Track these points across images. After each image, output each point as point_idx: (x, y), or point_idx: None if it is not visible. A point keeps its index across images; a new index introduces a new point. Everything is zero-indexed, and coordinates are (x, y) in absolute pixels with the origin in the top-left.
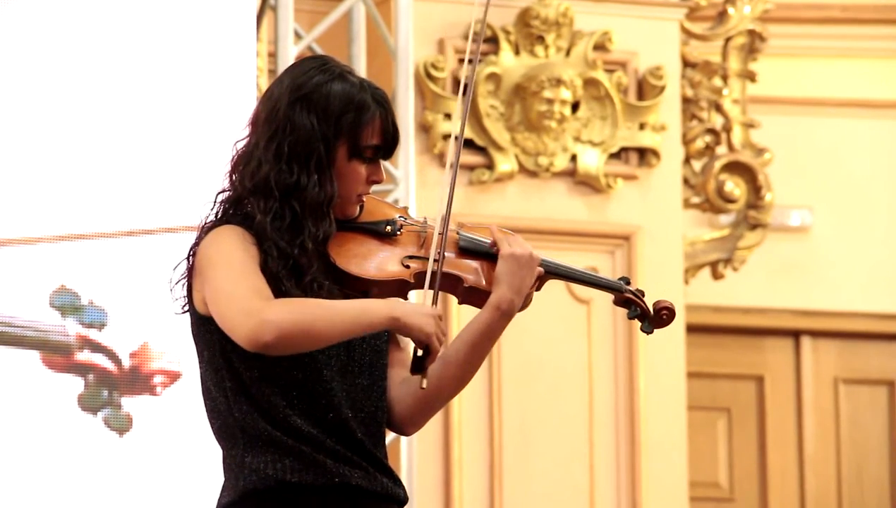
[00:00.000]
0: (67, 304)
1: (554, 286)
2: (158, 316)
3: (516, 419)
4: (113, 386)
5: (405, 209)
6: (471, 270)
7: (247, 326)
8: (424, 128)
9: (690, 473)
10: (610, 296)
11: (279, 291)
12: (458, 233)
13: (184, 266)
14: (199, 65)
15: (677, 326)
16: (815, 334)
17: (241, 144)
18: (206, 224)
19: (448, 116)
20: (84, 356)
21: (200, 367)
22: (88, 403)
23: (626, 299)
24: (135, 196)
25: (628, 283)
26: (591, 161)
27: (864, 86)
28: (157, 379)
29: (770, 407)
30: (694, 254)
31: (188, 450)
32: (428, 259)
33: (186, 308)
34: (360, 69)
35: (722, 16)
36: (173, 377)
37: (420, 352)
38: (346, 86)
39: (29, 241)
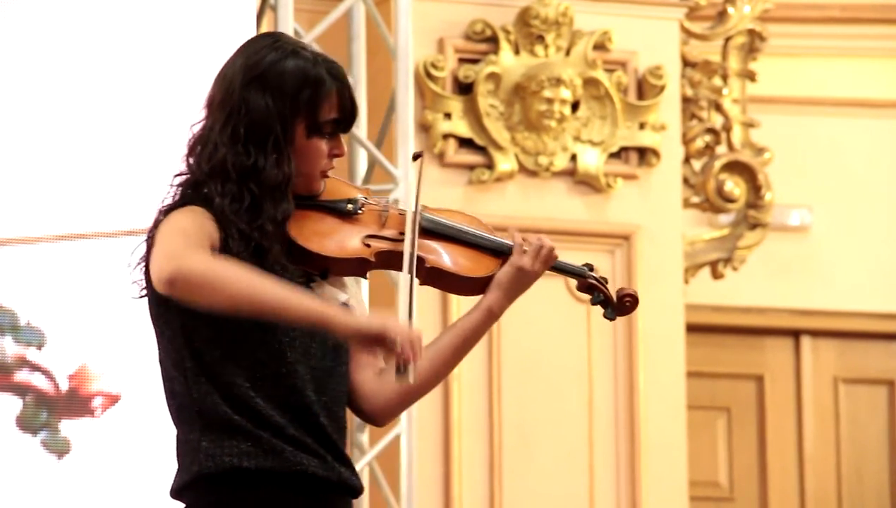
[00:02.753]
0: (5, 324)
1: (554, 285)
2: (97, 338)
3: (516, 418)
4: (51, 408)
5: (367, 190)
6: (433, 251)
7: (160, 263)
8: (424, 128)
9: (690, 472)
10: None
11: None
12: (421, 215)
13: (142, 249)
14: (199, 64)
15: (677, 326)
16: (815, 333)
17: (196, 127)
18: (164, 207)
19: (448, 116)
20: (22, 376)
21: (160, 350)
22: (27, 424)
23: (590, 285)
24: (131, 196)
25: (592, 270)
26: (591, 160)
27: (864, 86)
28: (97, 402)
29: (770, 406)
30: (694, 254)
31: (128, 473)
32: (390, 239)
33: (144, 292)
34: (360, 69)
35: (722, 15)
36: (113, 399)
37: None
38: (299, 62)
39: None
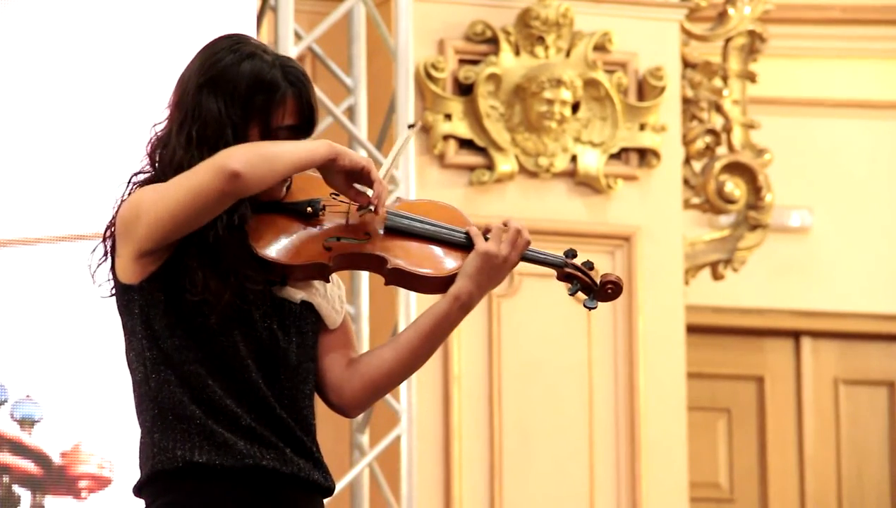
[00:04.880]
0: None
1: (554, 286)
2: (94, 417)
3: (516, 419)
4: (36, 488)
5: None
6: (396, 251)
7: (211, 170)
8: (424, 129)
9: (690, 473)
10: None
11: (193, 281)
12: (387, 212)
13: (101, 249)
14: None
15: (677, 327)
16: (816, 335)
17: (159, 127)
18: (120, 204)
19: (448, 117)
20: (1, 457)
21: (125, 343)
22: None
23: (566, 274)
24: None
25: (574, 256)
26: (592, 161)
27: (864, 87)
28: (84, 483)
29: (770, 407)
30: (694, 255)
31: None
32: (352, 239)
33: (113, 290)
34: (360, 70)
35: (722, 16)
36: (102, 483)
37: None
38: (256, 65)
39: None
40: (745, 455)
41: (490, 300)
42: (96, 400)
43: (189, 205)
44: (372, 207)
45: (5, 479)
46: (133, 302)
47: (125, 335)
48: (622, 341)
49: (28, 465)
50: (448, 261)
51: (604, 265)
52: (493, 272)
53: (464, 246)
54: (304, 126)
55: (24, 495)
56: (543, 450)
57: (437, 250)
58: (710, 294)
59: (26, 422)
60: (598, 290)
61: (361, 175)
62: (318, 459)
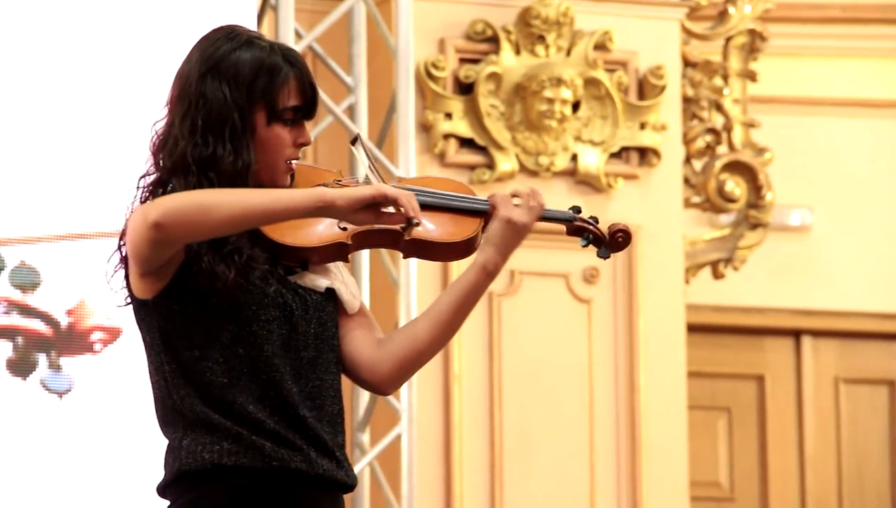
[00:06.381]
0: None
1: (554, 285)
2: (95, 272)
3: (517, 418)
4: (49, 348)
5: (339, 172)
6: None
7: (139, 220)
8: (425, 128)
9: (691, 473)
10: (610, 294)
11: (199, 266)
12: (393, 186)
13: (117, 257)
14: None
15: (678, 326)
16: (816, 334)
17: (159, 126)
18: (132, 210)
19: (448, 116)
20: (11, 320)
21: (146, 356)
22: (18, 368)
23: (578, 227)
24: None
25: (579, 212)
26: (592, 160)
27: (864, 86)
28: (96, 336)
29: (770, 406)
30: (694, 254)
31: (131, 409)
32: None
33: (129, 300)
34: (361, 69)
35: (722, 15)
36: (113, 334)
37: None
38: (255, 51)
39: None
40: (745, 455)
41: (490, 299)
42: (93, 258)
43: (135, 244)
44: (415, 221)
45: (19, 341)
46: (150, 316)
47: (145, 348)
48: (622, 340)
49: (39, 325)
50: (463, 227)
51: (604, 263)
52: (515, 238)
53: (474, 211)
54: (306, 107)
55: (41, 357)
56: (543, 450)
57: (450, 217)
58: (711, 293)
59: (27, 286)
60: (608, 241)
61: (375, 204)
62: (340, 459)
